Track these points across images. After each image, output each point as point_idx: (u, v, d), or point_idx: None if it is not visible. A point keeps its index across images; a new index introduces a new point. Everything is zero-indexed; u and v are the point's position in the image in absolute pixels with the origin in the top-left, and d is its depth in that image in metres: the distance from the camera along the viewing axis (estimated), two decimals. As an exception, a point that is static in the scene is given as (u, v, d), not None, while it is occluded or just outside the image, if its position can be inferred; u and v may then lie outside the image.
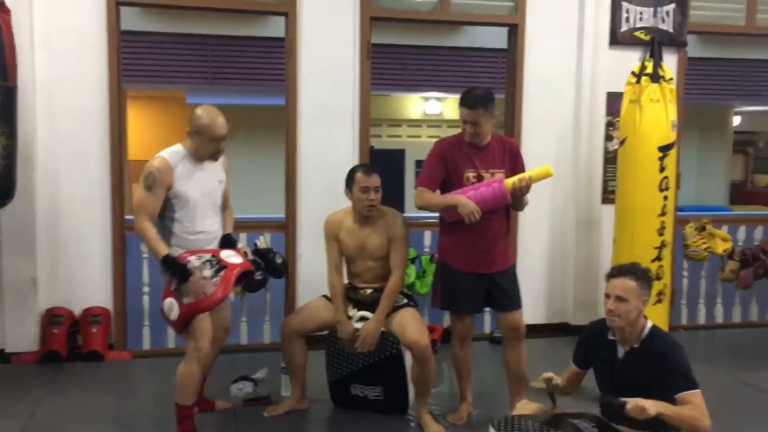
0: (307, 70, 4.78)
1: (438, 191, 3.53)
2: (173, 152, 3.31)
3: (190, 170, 3.31)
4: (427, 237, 5.11)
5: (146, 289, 4.76)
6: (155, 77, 9.97)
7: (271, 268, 4.74)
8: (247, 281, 3.66)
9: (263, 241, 4.80)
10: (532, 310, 5.12)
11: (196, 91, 11.23)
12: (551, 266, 5.29)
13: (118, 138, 4.60)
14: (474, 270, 3.50)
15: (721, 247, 5.39)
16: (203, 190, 3.35)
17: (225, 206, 3.57)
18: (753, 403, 4.04)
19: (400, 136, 13.19)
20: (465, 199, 3.35)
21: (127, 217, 4.77)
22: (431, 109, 13.03)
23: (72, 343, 4.56)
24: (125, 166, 4.79)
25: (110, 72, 4.53)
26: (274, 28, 9.64)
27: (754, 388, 4.24)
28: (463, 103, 3.42)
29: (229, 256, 3.27)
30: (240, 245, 3.59)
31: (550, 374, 2.98)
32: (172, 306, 3.17)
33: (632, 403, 2.67)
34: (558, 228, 5.25)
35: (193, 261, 3.18)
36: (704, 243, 5.35)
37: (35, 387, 4.05)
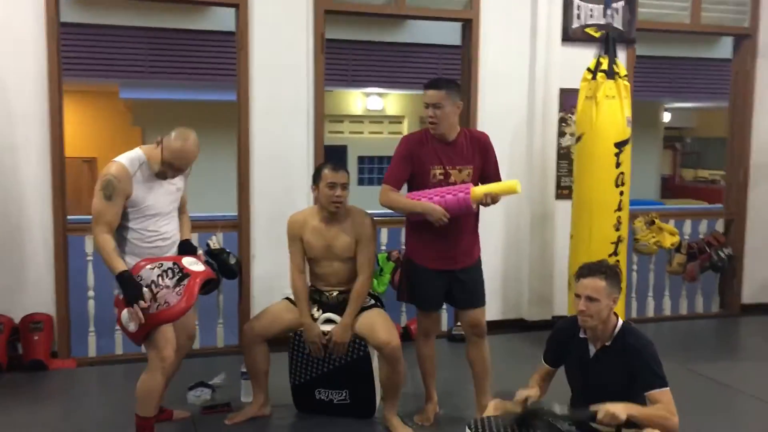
0: (259, 64, 4.63)
1: (405, 187, 3.46)
2: (132, 158, 3.10)
3: (149, 178, 3.12)
4: (384, 234, 5.04)
5: (91, 293, 4.54)
6: (88, 71, 9.55)
7: (225, 269, 4.59)
8: (207, 289, 3.48)
9: (215, 242, 4.64)
10: (487, 307, 5.12)
11: (131, 86, 10.86)
12: (506, 262, 5.29)
13: (58, 135, 4.36)
14: (438, 267, 3.45)
15: (669, 241, 5.50)
16: (161, 198, 3.17)
17: (182, 210, 3.39)
18: (707, 394, 4.13)
19: (342, 132, 13.09)
20: (432, 206, 3.27)
21: (68, 217, 4.54)
22: (373, 104, 12.97)
23: (12, 352, 4.29)
24: (64, 164, 4.53)
25: (50, 66, 4.29)
26: (214, 20, 9.41)
27: (706, 378, 4.33)
28: (426, 86, 3.37)
29: (191, 264, 3.11)
30: (200, 252, 3.42)
31: (525, 392, 2.93)
32: (129, 318, 2.99)
33: (603, 412, 2.65)
34: (513, 224, 5.26)
35: (149, 272, 3.01)
36: (653, 237, 5.45)
37: (-26, 402, 3.80)
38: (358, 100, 12.92)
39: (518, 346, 4.96)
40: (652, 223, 5.46)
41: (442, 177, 3.39)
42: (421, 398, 3.72)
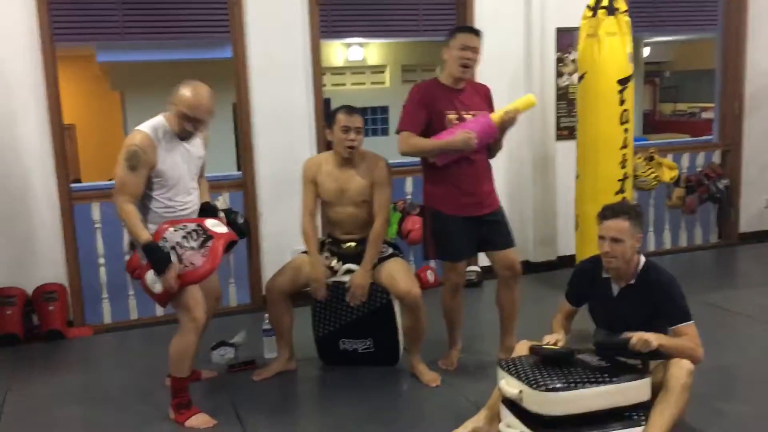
0: (253, 19, 4.55)
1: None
2: (155, 127, 3.03)
3: (173, 147, 3.06)
4: (409, 184, 5.06)
5: (101, 260, 4.53)
6: (62, 35, 9.29)
7: (234, 228, 4.53)
8: (230, 251, 3.48)
9: (222, 202, 4.60)
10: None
11: (108, 48, 10.61)
12: (510, 206, 5.25)
13: (56, 102, 4.27)
14: (466, 213, 3.46)
15: (668, 175, 5.54)
16: (184, 168, 3.13)
17: (200, 176, 3.36)
18: (722, 322, 4.25)
19: (324, 85, 12.90)
20: (457, 136, 3.30)
21: (72, 185, 4.49)
22: (354, 55, 12.80)
23: (28, 323, 4.29)
24: (65, 131, 4.46)
25: (41, 29, 4.19)
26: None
27: (718, 307, 4.44)
28: (463, 30, 3.46)
29: (214, 226, 3.11)
30: (221, 214, 3.40)
31: (553, 337, 2.97)
32: (155, 281, 2.99)
33: (636, 337, 2.72)
34: (515, 167, 5.28)
35: (173, 234, 3.00)
36: (653, 172, 5.49)
37: (-2, 374, 3.80)
38: (338, 51, 12.74)
39: (526, 287, 4.97)
40: (651, 158, 5.49)
41: (457, 122, 3.41)
42: (441, 344, 3.76)
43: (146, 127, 3.02)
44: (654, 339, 2.73)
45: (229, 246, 3.24)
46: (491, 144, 3.55)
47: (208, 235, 3.03)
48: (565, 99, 5.24)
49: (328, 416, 3.29)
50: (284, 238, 4.58)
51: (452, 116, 3.41)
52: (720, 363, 3.50)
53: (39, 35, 4.18)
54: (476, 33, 3.43)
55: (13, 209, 4.27)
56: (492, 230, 3.52)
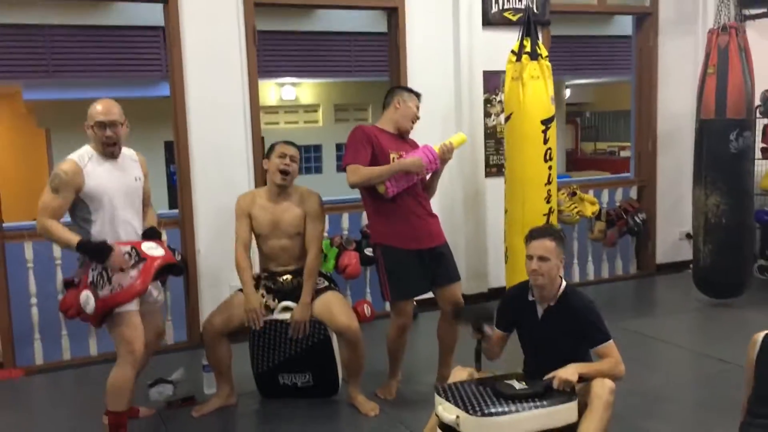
0: (192, 58, 4.63)
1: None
2: (81, 154, 3.16)
3: (103, 167, 3.16)
4: (326, 221, 5.12)
5: (34, 300, 4.45)
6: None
7: (171, 266, 4.58)
8: (167, 276, 3.51)
9: (159, 239, 4.62)
10: (429, 284, 5.35)
11: (35, 86, 10.44)
12: None
13: (-12, 140, 4.23)
14: (417, 246, 3.58)
15: (589, 210, 5.85)
16: (119, 188, 3.20)
17: (146, 204, 3.42)
18: (642, 346, 4.49)
19: (257, 124, 13.01)
20: (408, 160, 3.49)
21: (4, 225, 4.42)
22: (287, 94, 12.95)
23: (-45, 366, 4.17)
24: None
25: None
26: (120, 16, 9.18)
27: (638, 333, 4.70)
28: (414, 92, 3.81)
29: (150, 248, 3.16)
30: (164, 238, 3.44)
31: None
32: (88, 299, 3.05)
33: (557, 380, 2.89)
34: (448, 204, 5.46)
35: None
36: (575, 207, 5.79)
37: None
38: (271, 90, 12.86)
39: (460, 319, 5.19)
40: (574, 194, 5.80)
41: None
42: (380, 375, 3.85)
43: (72, 155, 3.16)
44: (573, 373, 2.90)
45: (167, 270, 3.28)
46: (428, 182, 3.72)
47: (141, 258, 3.07)
48: (493, 138, 5.49)
49: (269, 449, 3.34)
50: (222, 273, 4.62)
51: (395, 155, 3.57)
52: (640, 385, 3.72)
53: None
54: (419, 96, 3.79)
55: (-59, 249, 4.18)
56: (439, 264, 3.65)
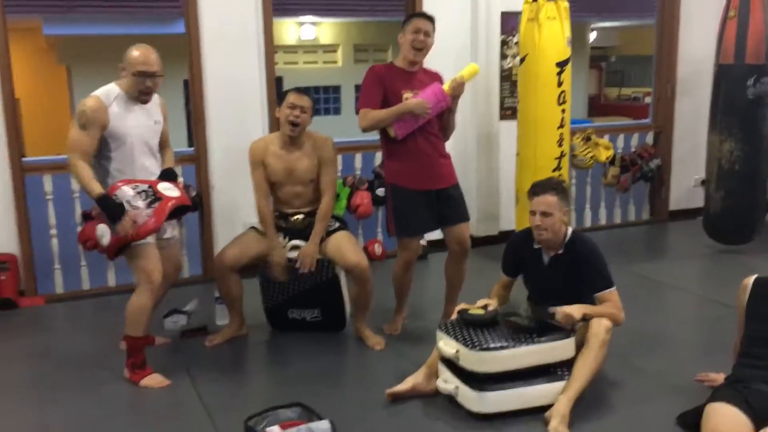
0: (206, -5, 4.63)
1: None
2: (107, 91, 3.21)
3: (126, 109, 3.22)
4: (339, 161, 5.19)
5: (53, 231, 4.59)
6: (7, 6, 9.14)
7: (186, 201, 4.68)
8: (181, 215, 3.60)
9: (175, 175, 4.71)
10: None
11: (55, 21, 10.46)
12: None
13: (8, 75, 4.30)
14: (425, 187, 3.63)
15: (604, 155, 5.85)
16: (140, 129, 3.26)
17: (164, 145, 3.50)
18: (650, 290, 4.55)
19: (276, 63, 12.93)
20: (412, 101, 3.50)
21: (24, 159, 4.53)
22: (306, 34, 12.84)
23: (-21, 293, 4.34)
24: (16, 103, 4.49)
25: (-8, 1, 4.19)
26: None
27: (646, 278, 4.75)
28: (416, 15, 3.66)
29: (166, 189, 3.23)
30: (180, 179, 3.51)
31: (485, 301, 3.21)
32: (104, 232, 3.14)
33: (560, 313, 2.97)
34: (460, 145, 5.46)
35: (126, 190, 3.13)
36: (589, 152, 5.78)
37: (-50, 341, 3.87)
38: (291, 29, 12.77)
39: (469, 260, 5.25)
40: (589, 139, 5.78)
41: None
42: (387, 312, 3.97)
43: (98, 91, 3.20)
44: (577, 311, 2.98)
45: (181, 210, 3.37)
46: (444, 121, 3.72)
47: (157, 197, 3.15)
48: (508, 80, 5.46)
49: (277, 376, 3.47)
50: (235, 211, 4.72)
51: (408, 95, 3.57)
52: (641, 325, 3.79)
53: (-11, 6, 4.18)
54: (428, 18, 3.62)
55: (-36, 180, 4.30)
56: (447, 205, 3.70)
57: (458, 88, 3.59)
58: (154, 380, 3.27)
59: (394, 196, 3.69)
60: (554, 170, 4.74)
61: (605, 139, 5.89)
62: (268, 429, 2.58)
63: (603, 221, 6.17)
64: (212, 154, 4.80)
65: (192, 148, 4.93)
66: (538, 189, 3.19)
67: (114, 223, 3.09)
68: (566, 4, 4.68)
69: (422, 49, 3.59)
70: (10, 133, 4.33)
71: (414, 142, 3.59)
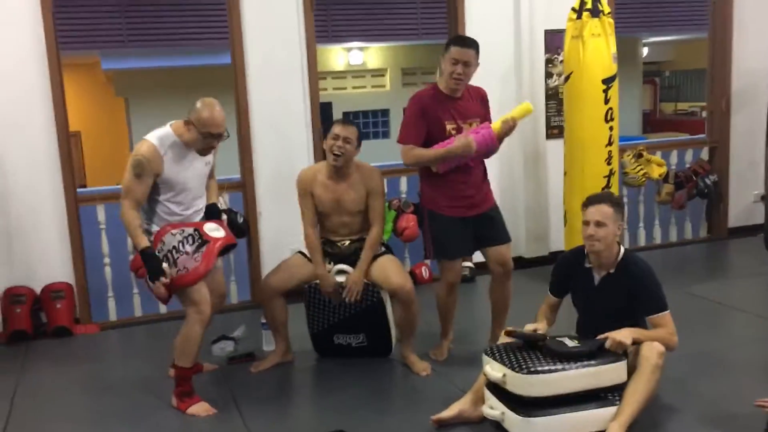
0: (250, 25, 4.70)
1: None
2: (162, 137, 3.19)
3: (179, 156, 3.22)
4: (385, 184, 5.18)
5: (107, 260, 4.70)
6: (67, 43, 9.52)
7: (233, 228, 4.72)
8: (227, 253, 3.63)
9: (222, 202, 4.75)
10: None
11: (112, 56, 10.82)
12: (503, 203, 5.29)
13: (62, 107, 4.44)
14: (462, 214, 3.60)
15: (656, 172, 5.70)
16: (193, 176, 3.29)
17: (210, 176, 3.52)
18: (708, 312, 4.38)
19: (325, 89, 13.11)
20: (457, 143, 3.42)
21: (79, 190, 4.66)
22: (355, 59, 12.98)
23: (36, 320, 4.45)
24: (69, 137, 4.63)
25: (47, 39, 4.34)
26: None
27: (704, 299, 4.58)
28: (455, 43, 3.51)
29: (212, 230, 3.28)
30: (224, 217, 3.55)
31: (533, 325, 3.14)
32: (158, 287, 3.17)
33: (610, 341, 2.88)
34: (506, 165, 5.42)
35: (169, 238, 3.19)
36: (641, 169, 5.64)
37: (9, 368, 3.96)
38: (339, 55, 12.92)
39: (518, 282, 5.09)
40: (640, 155, 5.65)
41: (454, 132, 3.53)
42: (433, 336, 3.92)
43: (153, 137, 3.18)
44: (628, 336, 2.89)
45: (227, 249, 3.40)
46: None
47: (204, 240, 3.19)
48: (555, 99, 5.38)
49: (322, 403, 3.46)
50: (282, 236, 4.75)
51: (450, 126, 3.53)
52: (702, 348, 3.66)
53: (45, 43, 4.34)
54: (469, 44, 3.50)
55: (23, 213, 4.43)
56: (486, 226, 3.66)
57: (508, 130, 3.52)
58: (200, 408, 3.29)
59: (431, 221, 3.67)
60: (603, 188, 4.64)
61: (657, 156, 5.74)
62: (310, 457, 2.55)
63: (658, 240, 5.99)
64: (259, 181, 4.85)
65: (238, 175, 5.00)
66: (593, 199, 3.15)
67: (150, 281, 3.15)
68: (611, 20, 4.61)
69: (462, 80, 3.50)
70: (64, 165, 4.46)
71: (454, 173, 3.56)
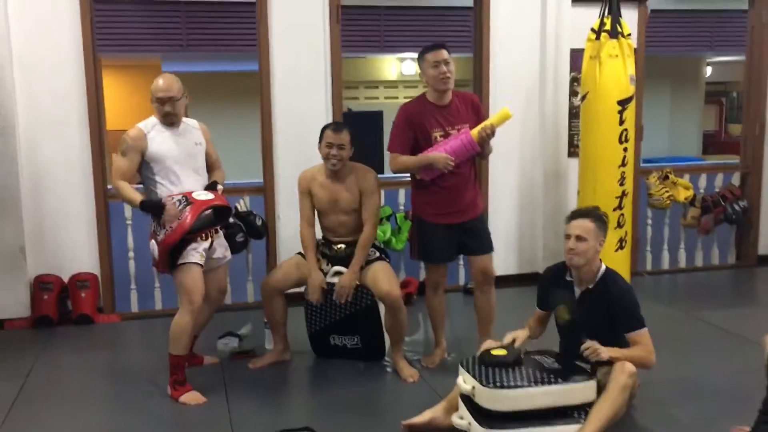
0: (278, 34, 4.90)
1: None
2: (147, 122, 3.57)
3: (164, 134, 3.54)
4: (402, 195, 5.30)
5: (131, 254, 4.94)
6: (129, 46, 9.99)
7: (252, 229, 4.94)
8: (225, 221, 3.81)
9: (243, 205, 4.98)
10: (503, 261, 5.40)
11: (172, 59, 11.25)
12: (521, 218, 5.52)
13: (96, 107, 4.72)
14: (447, 221, 3.73)
15: (682, 195, 5.63)
16: (180, 151, 3.56)
17: (215, 167, 3.79)
18: (709, 339, 4.32)
19: (377, 98, 13.27)
20: (435, 154, 3.57)
21: (108, 186, 4.92)
22: (407, 69, 13.10)
23: (62, 308, 4.73)
24: (104, 134, 4.92)
25: (84, 42, 4.63)
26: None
27: (712, 325, 4.51)
28: (432, 48, 3.66)
29: (200, 195, 3.50)
30: (219, 187, 3.72)
31: (512, 335, 3.21)
32: (154, 247, 3.46)
33: (590, 346, 2.92)
34: (527, 181, 5.46)
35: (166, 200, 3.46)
36: (666, 192, 5.58)
37: (29, 350, 4.24)
38: (392, 65, 13.08)
39: (532, 299, 5.18)
40: (666, 177, 5.59)
41: (442, 138, 3.66)
42: (430, 344, 4.03)
43: (140, 123, 3.56)
44: (605, 353, 2.93)
45: (223, 215, 3.63)
46: (479, 155, 3.78)
47: (190, 201, 3.43)
48: (578, 117, 5.38)
49: (307, 401, 3.61)
50: (298, 240, 4.85)
51: (437, 133, 3.66)
52: (689, 375, 3.65)
53: (83, 47, 4.62)
54: (441, 46, 3.66)
55: (57, 206, 4.72)
56: (470, 236, 3.77)
57: (487, 137, 3.61)
58: (191, 397, 3.47)
59: (418, 227, 3.83)
60: (615, 209, 4.64)
61: (684, 179, 5.67)
62: (274, 450, 2.68)
63: (682, 264, 5.90)
64: (279, 186, 5.03)
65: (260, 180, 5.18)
66: (576, 214, 3.24)
67: (159, 220, 3.39)
68: (630, 42, 4.61)
69: (449, 78, 3.61)
70: (95, 163, 4.74)
71: (441, 179, 3.67)
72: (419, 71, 3.76)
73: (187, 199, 3.43)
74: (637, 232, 5.63)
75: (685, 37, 11.62)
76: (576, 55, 5.29)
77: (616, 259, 4.59)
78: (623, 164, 4.65)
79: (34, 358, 4.09)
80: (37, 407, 3.49)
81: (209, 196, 3.51)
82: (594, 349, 2.94)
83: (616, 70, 4.55)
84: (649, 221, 5.76)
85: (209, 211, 3.52)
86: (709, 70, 15.81)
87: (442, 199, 3.71)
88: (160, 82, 3.53)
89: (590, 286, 3.18)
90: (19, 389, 3.66)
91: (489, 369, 3.00)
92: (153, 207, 3.42)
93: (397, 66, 13.10)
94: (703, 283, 5.65)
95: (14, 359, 4.09)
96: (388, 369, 3.86)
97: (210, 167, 3.75)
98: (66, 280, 4.75)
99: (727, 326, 4.46)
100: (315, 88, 5.00)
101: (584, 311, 3.18)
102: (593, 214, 3.22)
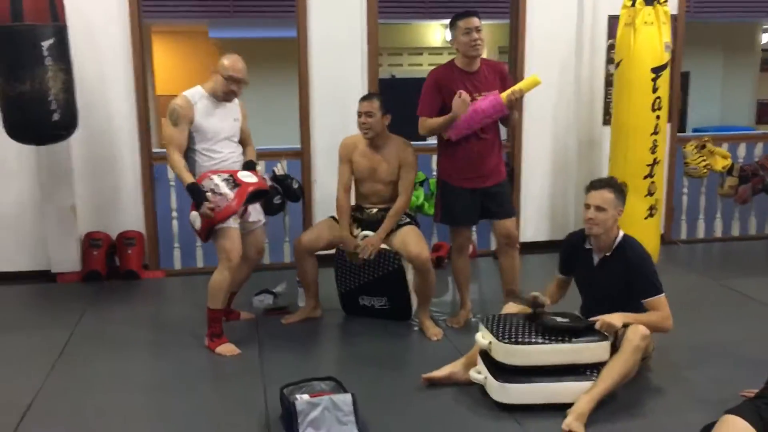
0: (316, 1, 5.01)
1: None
2: (193, 92, 3.71)
3: (209, 107, 3.70)
4: (435, 161, 5.38)
5: (175, 214, 5.17)
6: (177, 12, 10.19)
7: (289, 192, 5.10)
8: (264, 199, 4.00)
9: (280, 168, 5.13)
10: (535, 227, 5.51)
11: (219, 25, 11.44)
12: (554, 185, 5.56)
13: (141, 72, 4.92)
14: (470, 185, 3.84)
15: (720, 164, 5.58)
16: (221, 125, 3.73)
17: (247, 143, 3.94)
18: (733, 306, 4.35)
19: (421, 65, 13.28)
20: (455, 105, 3.65)
21: (154, 150, 5.14)
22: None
23: (110, 263, 5.01)
24: (150, 99, 5.12)
25: (131, 8, 4.81)
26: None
27: (737, 292, 4.54)
28: (464, 15, 3.73)
29: (245, 176, 3.68)
30: (259, 168, 3.91)
31: (536, 293, 3.30)
32: (195, 218, 3.63)
33: (600, 322, 3.01)
34: (561, 148, 5.49)
35: (211, 180, 3.60)
36: (704, 160, 5.55)
37: (79, 302, 4.52)
38: (436, 32, 13.06)
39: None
40: (703, 146, 5.55)
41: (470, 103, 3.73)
42: (458, 305, 4.16)
43: (186, 92, 3.69)
44: (618, 320, 3.01)
45: (260, 194, 3.78)
46: (504, 122, 3.87)
47: (237, 183, 3.60)
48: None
49: (336, 355, 3.82)
50: (333, 203, 5.00)
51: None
52: (709, 339, 3.73)
53: (129, 13, 4.81)
54: (473, 13, 3.73)
55: (104, 164, 4.97)
56: (493, 201, 3.88)
57: (515, 101, 3.70)
58: (226, 349, 3.68)
59: (443, 191, 3.95)
60: (645, 177, 4.66)
61: (722, 148, 5.62)
62: (298, 396, 2.86)
63: (718, 233, 5.88)
64: (315, 150, 5.18)
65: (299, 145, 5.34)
66: (596, 184, 3.29)
67: (198, 209, 3.55)
68: (667, 9, 4.57)
69: (480, 45, 3.69)
70: (141, 127, 4.96)
71: (467, 143, 3.77)
72: (449, 38, 3.83)
73: (234, 180, 3.61)
74: (673, 201, 5.63)
75: (739, 2, 11.27)
76: (614, 22, 5.25)
77: (645, 227, 4.64)
78: (655, 132, 4.65)
79: (83, 310, 4.36)
80: (87, 351, 3.76)
81: (253, 179, 3.69)
82: (606, 323, 3.01)
83: (650, 37, 4.54)
84: (685, 190, 5.74)
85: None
86: (765, 37, 15.30)
87: (466, 164, 3.81)
88: (240, 64, 3.68)
89: (608, 254, 3.25)
90: (69, 335, 3.94)
91: (508, 326, 3.12)
92: (197, 195, 3.56)
93: (441, 32, 13.06)
94: (738, 253, 5.64)
95: (65, 310, 4.37)
96: (415, 328, 4.01)
97: (242, 142, 3.93)
98: (114, 237, 5.02)
99: (758, 295, 4.47)
100: (351, 54, 5.11)
101: (605, 277, 3.26)
102: (612, 183, 3.28)
